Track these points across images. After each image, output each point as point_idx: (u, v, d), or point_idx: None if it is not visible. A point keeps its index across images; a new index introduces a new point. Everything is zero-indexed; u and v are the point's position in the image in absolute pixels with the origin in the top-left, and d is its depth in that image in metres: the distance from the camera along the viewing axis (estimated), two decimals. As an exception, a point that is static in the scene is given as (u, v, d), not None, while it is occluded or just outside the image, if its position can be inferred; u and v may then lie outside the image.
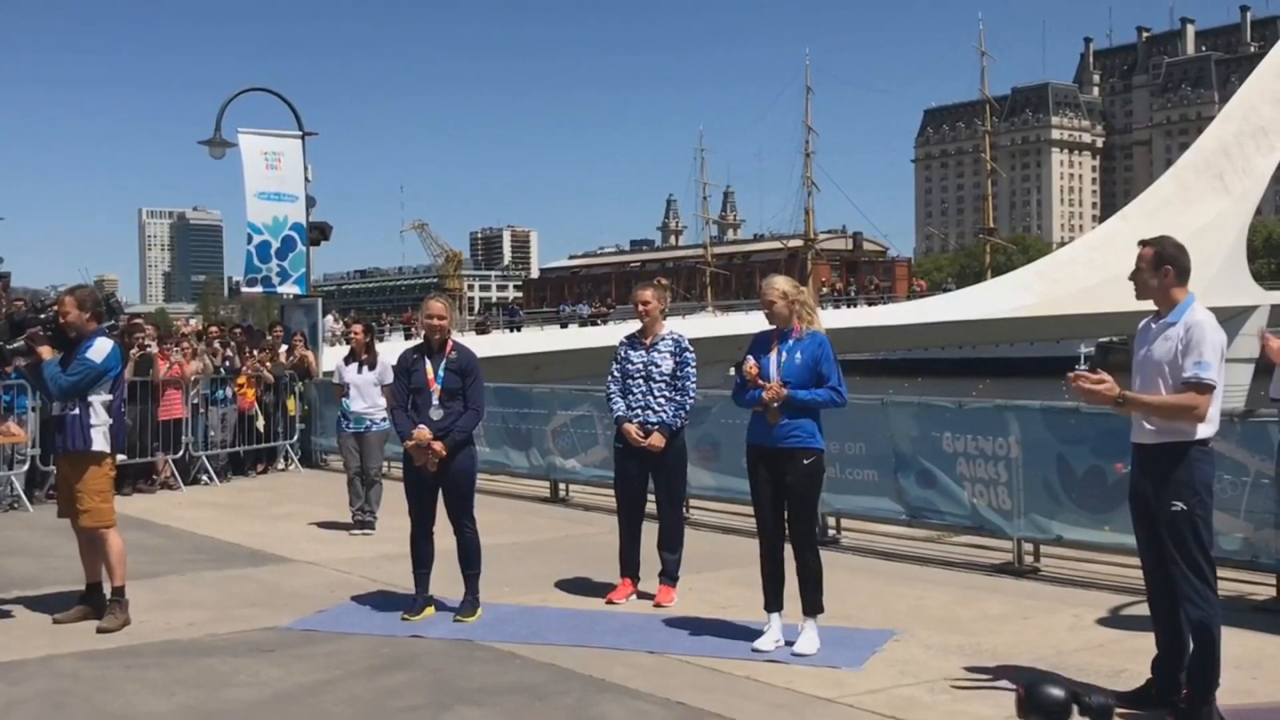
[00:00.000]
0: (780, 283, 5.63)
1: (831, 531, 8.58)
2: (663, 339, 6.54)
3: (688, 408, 6.56)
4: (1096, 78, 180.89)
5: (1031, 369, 62.71)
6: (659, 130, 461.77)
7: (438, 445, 6.14)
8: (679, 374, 6.51)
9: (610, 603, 6.51)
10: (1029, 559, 7.47)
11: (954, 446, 7.72)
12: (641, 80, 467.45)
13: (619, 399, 6.53)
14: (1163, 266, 4.47)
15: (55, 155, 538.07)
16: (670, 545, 6.68)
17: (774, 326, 5.63)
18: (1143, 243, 4.57)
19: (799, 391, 5.42)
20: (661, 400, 6.46)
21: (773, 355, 5.52)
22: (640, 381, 6.48)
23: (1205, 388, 4.30)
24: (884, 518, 8.34)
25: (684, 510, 6.72)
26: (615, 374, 6.58)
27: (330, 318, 41.19)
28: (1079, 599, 6.52)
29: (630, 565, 6.70)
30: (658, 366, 6.46)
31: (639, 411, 6.47)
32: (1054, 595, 6.66)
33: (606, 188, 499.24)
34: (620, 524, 6.75)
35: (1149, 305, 4.57)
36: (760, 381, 5.46)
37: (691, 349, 6.57)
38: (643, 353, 6.52)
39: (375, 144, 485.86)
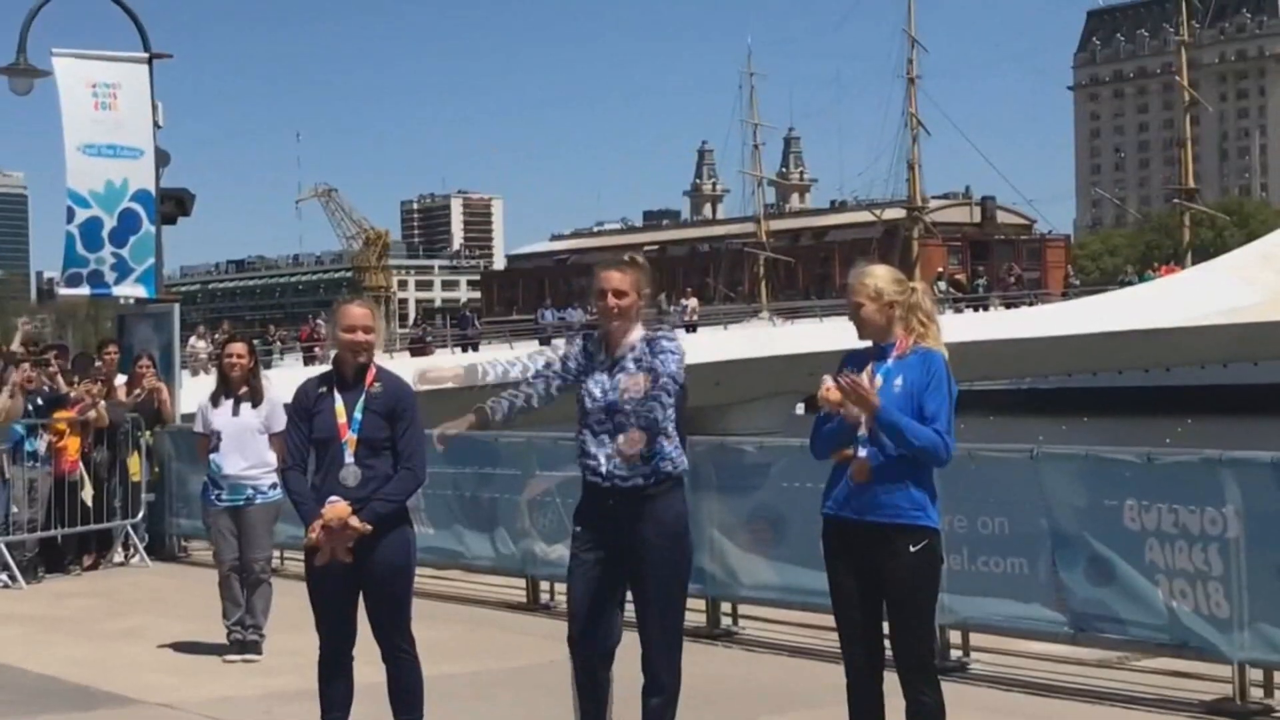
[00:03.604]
0: (876, 277, 5.64)
1: (956, 653, 8.58)
2: (631, 349, 6.11)
3: (669, 448, 6.06)
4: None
5: (1256, 402, 62.45)
6: (685, 47, 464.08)
7: (356, 523, 6.14)
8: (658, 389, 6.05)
9: None
10: (1258, 693, 7.43)
11: (1141, 522, 7.70)
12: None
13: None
14: None
15: None
16: (659, 684, 6.12)
17: (867, 341, 5.66)
18: None
19: (892, 412, 5.41)
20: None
21: (864, 379, 5.55)
22: (599, 420, 6.09)
23: None
24: (1036, 631, 8.32)
25: (681, 625, 6.33)
26: (563, 361, 6.27)
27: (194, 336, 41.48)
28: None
29: None
30: (622, 389, 6.04)
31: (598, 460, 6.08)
32: (1298, 748, 6.63)
33: (606, 135, 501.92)
34: (572, 652, 6.15)
35: None
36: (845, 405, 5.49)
37: (674, 348, 6.11)
38: (604, 375, 6.12)
39: (257, 73, 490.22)
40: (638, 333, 6.13)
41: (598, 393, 6.06)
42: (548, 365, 6.25)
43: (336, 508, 6.16)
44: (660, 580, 6.04)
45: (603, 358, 6.12)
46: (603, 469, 6.02)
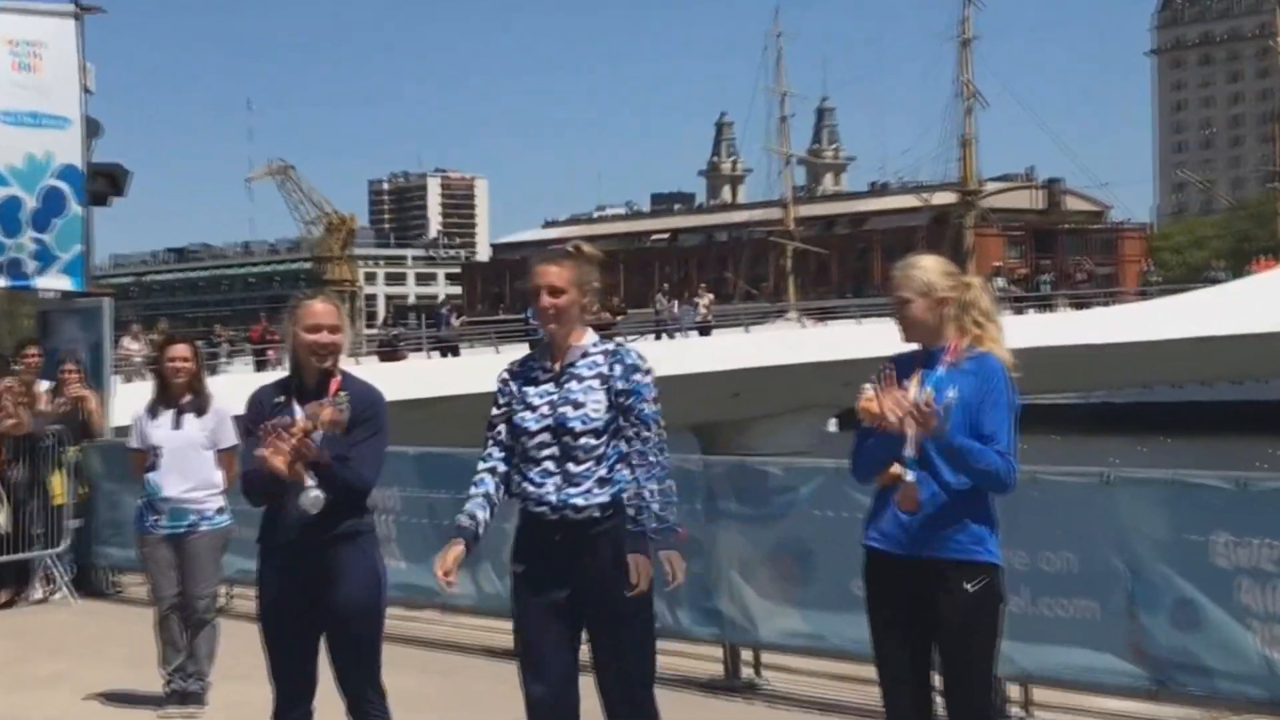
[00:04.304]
0: (925, 269, 5.66)
1: (1017, 709, 8.60)
2: (583, 356, 6.12)
3: (667, 484, 6.02)
4: None
5: (1367, 420, 62.41)
6: (701, 3, 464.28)
7: (329, 414, 6.14)
8: (629, 421, 6.05)
9: None
10: (1369, 759, 7.44)
11: (1233, 558, 7.71)
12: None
13: (484, 480, 6.18)
14: None
15: None
16: None
17: (916, 344, 5.69)
18: None
19: (954, 436, 5.46)
20: (594, 473, 6.00)
21: (912, 391, 5.58)
22: (541, 443, 6.04)
23: None
24: (1109, 685, 8.32)
25: (652, 694, 6.29)
26: (489, 436, 6.18)
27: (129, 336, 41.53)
28: None
29: None
30: (575, 405, 6.03)
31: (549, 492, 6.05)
32: None
33: (609, 105, 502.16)
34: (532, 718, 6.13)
35: None
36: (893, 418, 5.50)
37: (648, 368, 6.13)
38: (549, 386, 6.11)
39: (202, 31, 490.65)
40: (587, 336, 6.12)
41: (545, 407, 6.00)
42: (484, 453, 6.20)
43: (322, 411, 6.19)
44: (631, 611, 5.99)
45: (547, 364, 6.09)
46: (552, 498, 5.97)
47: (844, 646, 8.84)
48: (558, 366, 6.06)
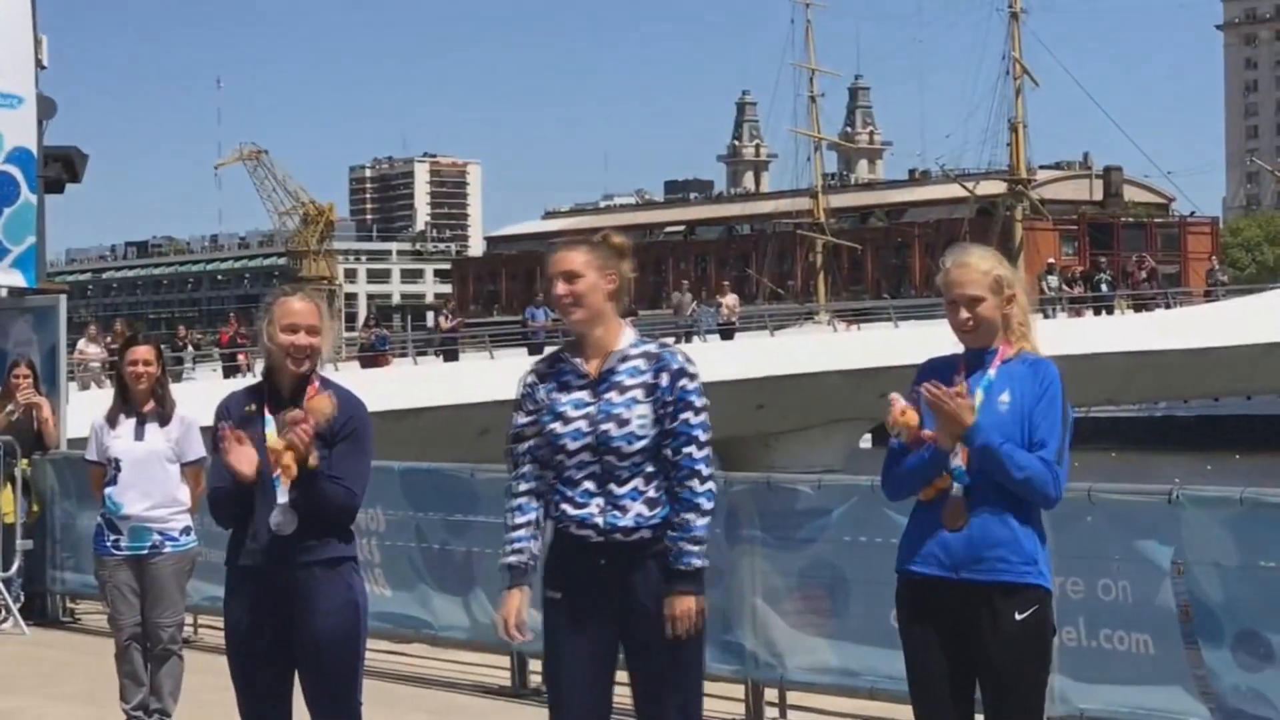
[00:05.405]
0: (993, 261, 5.65)
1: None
2: (623, 360, 6.00)
3: (706, 504, 5.92)
4: None
5: None
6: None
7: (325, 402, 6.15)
8: (675, 432, 5.91)
9: None
10: None
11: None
12: None
13: (528, 505, 6.05)
14: None
15: None
16: None
17: (964, 347, 5.69)
18: None
19: (988, 433, 5.43)
20: (641, 492, 5.91)
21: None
22: (582, 461, 5.93)
23: None
24: (1170, 726, 8.31)
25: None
26: (521, 451, 6.03)
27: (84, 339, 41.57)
28: None
29: None
30: (620, 421, 5.91)
31: (589, 512, 5.92)
32: None
33: (618, 83, 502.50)
34: None
35: None
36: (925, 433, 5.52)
37: (695, 372, 5.98)
38: (584, 394, 6.01)
39: (165, 3, 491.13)
40: (625, 336, 6.00)
41: (581, 421, 5.86)
42: (517, 472, 6.05)
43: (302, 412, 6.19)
44: (682, 646, 5.90)
45: (581, 367, 5.95)
46: (598, 521, 5.86)
47: (879, 685, 8.86)
48: (595, 371, 5.94)
